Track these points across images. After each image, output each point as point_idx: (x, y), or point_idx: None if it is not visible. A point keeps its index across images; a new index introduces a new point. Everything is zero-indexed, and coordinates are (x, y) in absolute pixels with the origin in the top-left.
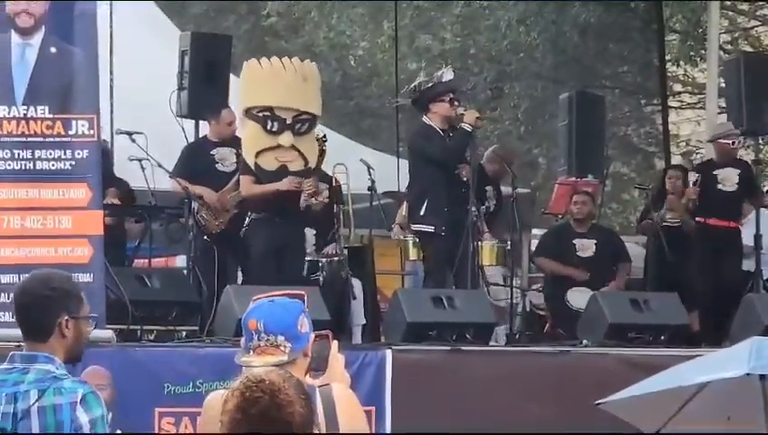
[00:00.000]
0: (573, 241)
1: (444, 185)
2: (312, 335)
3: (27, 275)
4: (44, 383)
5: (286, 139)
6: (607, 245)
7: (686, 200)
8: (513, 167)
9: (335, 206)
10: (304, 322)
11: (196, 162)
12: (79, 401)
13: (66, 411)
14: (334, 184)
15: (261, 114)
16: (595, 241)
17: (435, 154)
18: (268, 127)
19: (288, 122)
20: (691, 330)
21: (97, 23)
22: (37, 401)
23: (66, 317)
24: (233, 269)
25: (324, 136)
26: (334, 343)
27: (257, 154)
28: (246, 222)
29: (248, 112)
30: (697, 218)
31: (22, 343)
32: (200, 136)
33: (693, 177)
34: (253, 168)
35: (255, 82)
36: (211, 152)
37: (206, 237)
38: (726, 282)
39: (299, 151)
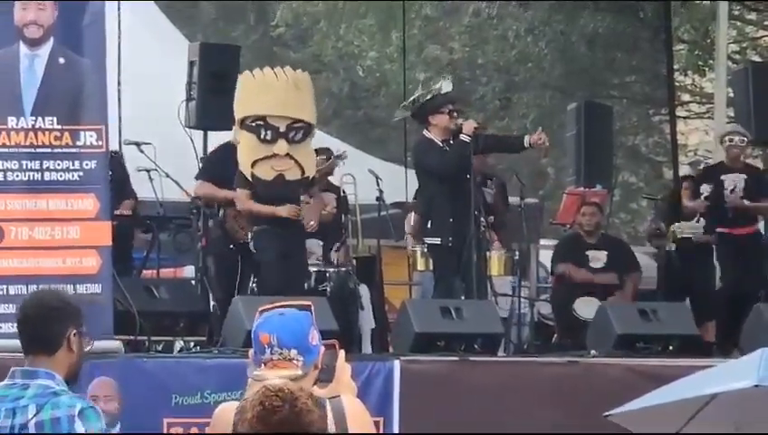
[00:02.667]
0: (586, 252)
1: (447, 197)
2: (322, 347)
3: (34, 287)
4: (43, 398)
5: (281, 147)
6: (617, 255)
7: (692, 211)
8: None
9: (343, 216)
10: (315, 334)
11: (223, 169)
12: (77, 414)
13: (64, 424)
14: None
15: (254, 124)
16: (606, 252)
17: (433, 167)
18: (262, 136)
19: (282, 130)
20: (703, 340)
21: (105, 33)
22: (35, 415)
23: (74, 331)
24: (249, 280)
25: (345, 153)
26: (341, 353)
27: (253, 164)
28: (250, 236)
29: (243, 124)
30: (719, 229)
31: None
32: (226, 142)
33: (706, 189)
34: (250, 178)
35: (248, 93)
36: (236, 159)
37: (231, 246)
38: (749, 289)
39: (295, 160)
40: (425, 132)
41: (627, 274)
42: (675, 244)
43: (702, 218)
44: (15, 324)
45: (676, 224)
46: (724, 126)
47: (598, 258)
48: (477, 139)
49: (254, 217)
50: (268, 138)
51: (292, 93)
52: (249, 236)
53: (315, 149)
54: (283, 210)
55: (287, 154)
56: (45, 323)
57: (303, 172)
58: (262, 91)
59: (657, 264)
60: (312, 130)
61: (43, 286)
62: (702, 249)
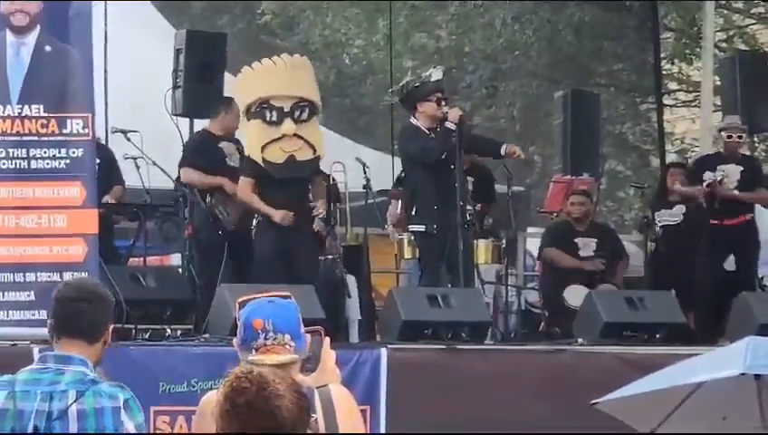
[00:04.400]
0: (575, 240)
1: (432, 184)
2: (308, 336)
3: (20, 275)
4: (83, 385)
5: (288, 127)
6: (606, 242)
7: (690, 196)
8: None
9: (332, 204)
10: (301, 322)
11: (207, 155)
12: (122, 405)
13: (109, 416)
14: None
15: (258, 108)
16: (596, 240)
17: (416, 154)
18: (268, 118)
19: (286, 110)
20: (689, 328)
21: (92, 21)
22: (75, 401)
23: (112, 326)
24: (234, 268)
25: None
26: (326, 339)
27: (263, 148)
28: (254, 224)
29: (248, 112)
30: (712, 221)
31: (17, 343)
32: (202, 129)
33: (709, 176)
34: (261, 163)
35: (249, 82)
36: (219, 146)
37: (219, 232)
38: (738, 278)
39: (304, 139)
40: (411, 119)
41: (615, 261)
42: (659, 232)
43: (681, 205)
44: (59, 304)
45: (657, 213)
46: (718, 117)
47: (587, 245)
48: (461, 128)
49: (254, 210)
50: (274, 119)
51: (291, 74)
52: (235, 223)
53: None
54: (278, 216)
55: (295, 134)
56: (96, 311)
57: (315, 151)
58: (262, 76)
59: (645, 252)
60: (317, 110)
61: (79, 277)
62: (688, 238)
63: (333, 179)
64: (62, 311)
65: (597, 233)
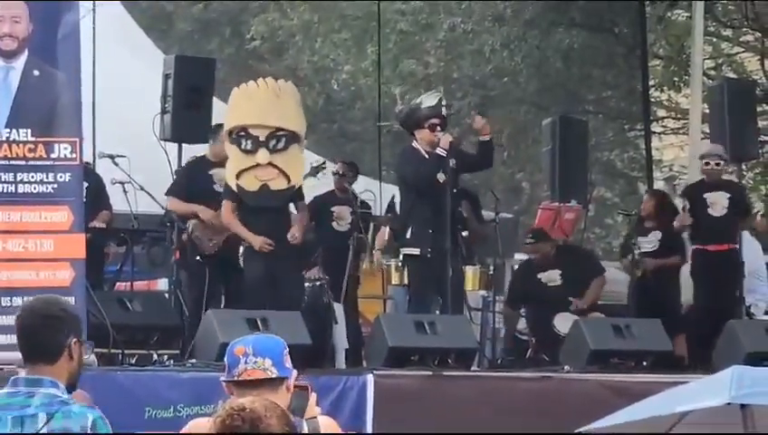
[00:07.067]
0: (538, 276)
1: (427, 208)
2: (294, 371)
3: (7, 299)
4: (53, 407)
5: (262, 156)
6: (574, 268)
7: (680, 227)
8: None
9: (362, 231)
10: (288, 358)
11: (193, 181)
12: (90, 426)
13: None
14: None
15: (236, 135)
16: (560, 271)
17: (408, 178)
18: (243, 146)
19: (261, 140)
20: (676, 355)
21: (80, 46)
22: (45, 424)
23: (75, 339)
24: (219, 292)
25: (324, 163)
26: (313, 396)
27: (238, 175)
28: (241, 251)
29: (229, 136)
30: (695, 246)
31: (3, 367)
32: (202, 155)
33: (681, 203)
34: (235, 190)
35: (233, 106)
36: (209, 172)
37: (198, 257)
38: (723, 306)
39: (278, 169)
40: (414, 142)
41: (587, 281)
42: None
43: (657, 232)
44: (17, 331)
45: (634, 240)
46: (702, 146)
47: (551, 279)
48: (452, 154)
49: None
50: (249, 147)
51: (272, 103)
52: (216, 248)
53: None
54: (256, 243)
55: (269, 163)
56: (47, 331)
57: (289, 181)
58: (243, 101)
59: (630, 279)
60: (297, 138)
61: (42, 295)
62: (668, 267)
63: (361, 204)
64: (20, 337)
65: (562, 261)
